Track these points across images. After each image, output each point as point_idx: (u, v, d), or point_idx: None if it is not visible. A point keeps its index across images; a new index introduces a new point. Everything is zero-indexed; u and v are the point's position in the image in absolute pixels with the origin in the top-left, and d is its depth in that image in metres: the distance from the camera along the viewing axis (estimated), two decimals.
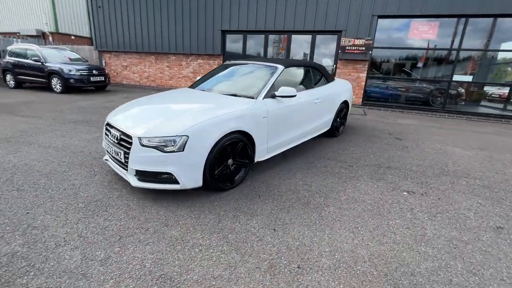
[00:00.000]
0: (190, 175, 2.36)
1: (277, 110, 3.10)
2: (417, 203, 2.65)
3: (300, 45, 8.79)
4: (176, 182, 2.34)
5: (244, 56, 9.54)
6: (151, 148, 2.27)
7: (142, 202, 2.44)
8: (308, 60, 8.58)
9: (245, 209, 2.41)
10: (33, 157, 3.34)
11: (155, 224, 2.13)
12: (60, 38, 13.90)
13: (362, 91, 8.32)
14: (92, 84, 9.18)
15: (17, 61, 9.19)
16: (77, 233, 1.98)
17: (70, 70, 8.63)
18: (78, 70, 8.79)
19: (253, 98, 2.98)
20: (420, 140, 4.88)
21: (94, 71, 9.23)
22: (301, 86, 3.79)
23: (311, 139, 4.03)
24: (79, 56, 10.17)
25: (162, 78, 11.02)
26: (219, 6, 9.16)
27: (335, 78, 4.92)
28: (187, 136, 2.29)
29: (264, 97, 3.02)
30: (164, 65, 10.76)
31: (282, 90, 3.06)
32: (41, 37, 13.84)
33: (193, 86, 3.77)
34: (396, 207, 2.54)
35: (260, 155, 3.03)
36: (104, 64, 11.89)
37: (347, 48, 7.94)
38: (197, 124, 2.36)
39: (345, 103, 4.76)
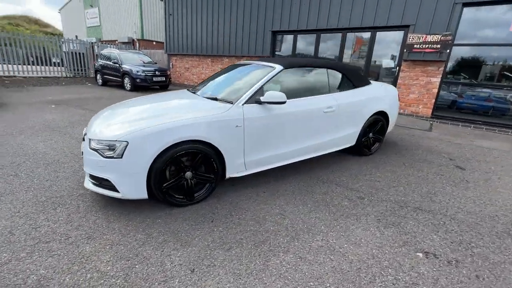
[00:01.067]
0: (130, 184, 2.12)
1: (261, 118, 2.58)
2: (434, 275, 1.71)
3: (352, 44, 7.63)
4: (117, 190, 2.14)
5: (293, 56, 8.95)
6: (94, 152, 2.14)
7: (96, 205, 2.34)
8: (367, 60, 7.37)
9: (183, 234, 2.02)
10: (55, 146, 3.76)
11: (80, 234, 1.98)
12: (144, 43, 16.32)
13: (433, 100, 6.58)
14: (154, 83, 10.27)
15: (104, 63, 11.07)
16: (10, 228, 2.00)
17: (137, 71, 9.85)
18: (144, 71, 9.95)
19: (231, 103, 2.54)
20: (495, 174, 3.41)
21: (157, 72, 10.31)
22: (307, 91, 3.11)
23: (329, 153, 3.31)
24: (150, 59, 11.57)
25: None
26: (271, 6, 8.85)
27: (371, 82, 3.92)
28: (127, 142, 2.05)
29: (244, 103, 2.54)
30: (218, 67, 11.16)
31: (269, 95, 2.52)
32: (131, 43, 16.55)
33: (195, 87, 3.57)
34: (392, 276, 1.69)
35: (235, 170, 2.57)
36: (171, 66, 13.22)
37: (415, 46, 6.42)
38: (140, 130, 2.10)
39: (382, 114, 3.73)
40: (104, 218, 2.17)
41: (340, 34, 7.77)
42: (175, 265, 1.71)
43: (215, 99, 2.74)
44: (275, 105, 2.65)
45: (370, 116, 3.55)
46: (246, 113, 2.49)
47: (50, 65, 13.01)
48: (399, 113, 6.93)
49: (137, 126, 2.15)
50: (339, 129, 3.25)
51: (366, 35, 7.34)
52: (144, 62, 11.00)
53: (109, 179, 2.11)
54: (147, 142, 2.07)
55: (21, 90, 8.84)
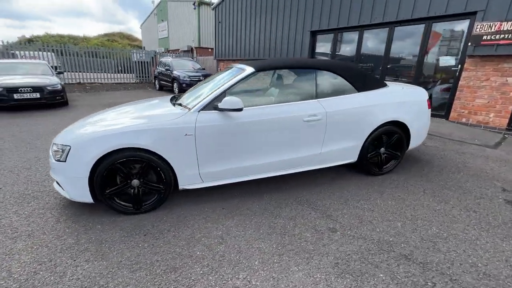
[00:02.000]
0: (74, 187, 2.17)
1: (220, 127, 2.33)
2: None
3: (403, 40, 6.44)
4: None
5: (332, 57, 8.17)
6: (51, 154, 2.28)
7: (61, 204, 2.50)
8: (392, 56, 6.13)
9: (107, 245, 1.93)
10: None
11: (26, 230, 2.11)
12: (201, 51, 17.60)
13: (511, 107, 4.99)
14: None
15: (161, 70, 12.35)
16: None
17: (184, 77, 10.63)
18: (190, 76, 10.67)
19: (189, 110, 2.37)
20: None
21: (201, 78, 10.92)
22: (286, 96, 2.67)
23: (328, 168, 2.83)
24: (200, 66, 12.37)
25: None
26: (310, 5, 8.29)
27: (387, 84, 3.14)
28: (70, 146, 2.11)
29: (201, 109, 2.33)
30: None
31: (226, 101, 2.25)
32: (190, 51, 18.09)
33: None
34: None
35: (188, 182, 2.38)
36: (218, 71, 13.86)
37: (484, 38, 4.98)
38: (81, 136, 2.14)
39: (399, 125, 2.95)
40: (56, 217, 2.28)
41: (386, 29, 6.71)
42: (72, 279, 1.64)
43: (180, 105, 2.62)
44: (240, 113, 2.36)
45: (379, 127, 2.85)
46: (199, 121, 2.28)
47: (125, 72, 15.29)
48: (460, 123, 5.54)
49: (83, 132, 2.20)
50: (330, 141, 2.71)
51: (419, 28, 6.12)
52: (194, 68, 11.82)
53: (58, 182, 2.21)
54: (86, 148, 2.09)
55: (94, 94, 10.58)
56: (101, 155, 2.08)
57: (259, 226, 2.18)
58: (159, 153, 2.19)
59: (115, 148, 2.09)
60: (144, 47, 26.62)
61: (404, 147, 3.08)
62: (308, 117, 2.55)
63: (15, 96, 6.66)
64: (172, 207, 2.45)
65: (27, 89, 6.81)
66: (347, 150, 2.82)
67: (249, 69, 2.55)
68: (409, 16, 6.07)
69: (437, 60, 5.97)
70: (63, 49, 13.38)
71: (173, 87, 11.24)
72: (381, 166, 3.08)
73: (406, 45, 6.50)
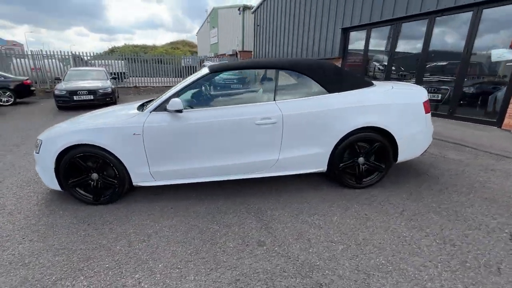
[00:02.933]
0: (45, 176, 2.51)
1: (168, 127, 2.38)
2: None
3: (448, 33, 5.42)
4: None
5: (364, 54, 7.42)
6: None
7: (46, 190, 2.91)
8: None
9: (43, 228, 2.17)
10: None
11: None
12: (244, 54, 18.12)
13: None
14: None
15: None
16: None
17: (218, 80, 11.12)
18: (224, 80, 11.08)
19: (143, 111, 2.50)
20: None
21: (235, 80, 11.26)
22: (242, 97, 2.54)
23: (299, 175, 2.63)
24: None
25: None
26: (342, 2, 7.71)
27: (373, 83, 2.69)
28: (42, 140, 2.45)
29: (153, 110, 2.43)
30: None
31: (171, 103, 2.30)
32: (235, 55, 18.81)
33: None
34: None
35: (141, 179, 2.51)
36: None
37: None
38: (48, 133, 2.46)
39: (381, 132, 2.51)
40: (38, 200, 2.66)
41: (425, 21, 5.77)
42: (9, 254, 1.89)
43: (143, 106, 2.77)
44: (191, 114, 2.38)
45: (352, 133, 2.49)
46: (148, 121, 2.37)
47: (176, 76, 16.82)
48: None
49: (55, 129, 2.52)
50: (289, 147, 2.48)
51: (464, 17, 5.08)
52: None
53: (37, 171, 2.59)
54: (52, 143, 2.39)
55: (144, 95, 11.95)
56: (62, 149, 2.36)
57: (191, 229, 2.15)
58: (111, 150, 2.36)
59: (72, 144, 2.34)
60: (196, 52, 28.80)
61: (389, 158, 2.61)
62: (261, 120, 2.39)
63: (75, 97, 8.05)
64: (131, 202, 2.61)
65: (83, 92, 8.16)
66: (312, 158, 2.54)
67: (205, 71, 2.54)
68: (453, 3, 5.10)
69: (488, 53, 4.86)
70: (133, 57, 15.47)
71: None
72: (360, 178, 2.67)
73: (448, 37, 5.48)
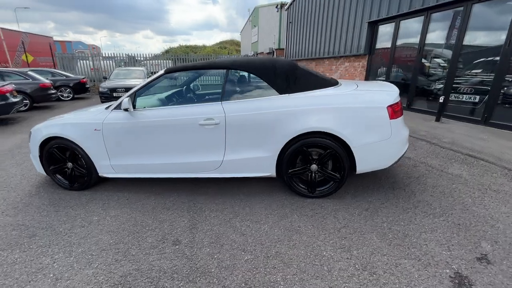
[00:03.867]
0: (35, 163, 2.95)
1: (123, 125, 2.58)
2: None
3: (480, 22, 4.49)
4: None
5: (392, 50, 6.64)
6: None
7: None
8: None
9: (21, 207, 2.57)
10: None
11: (3, 186, 3.06)
12: (280, 52, 17.87)
13: None
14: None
15: None
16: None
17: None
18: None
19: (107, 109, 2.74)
20: None
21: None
22: (193, 97, 2.55)
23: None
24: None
25: None
26: None
27: (338, 83, 2.41)
28: (31, 132, 2.89)
29: (114, 108, 2.65)
30: (319, 70, 10.33)
31: (122, 103, 2.49)
32: (272, 53, 18.72)
33: None
34: None
35: (105, 171, 2.76)
36: None
37: None
38: (37, 125, 2.87)
39: (334, 138, 2.27)
40: (40, 179, 3.16)
41: (460, 10, 4.89)
42: None
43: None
44: (143, 113, 2.54)
45: (299, 138, 2.31)
46: (108, 118, 2.60)
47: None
48: None
49: (43, 122, 2.94)
50: (233, 149, 2.44)
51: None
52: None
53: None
54: (36, 134, 2.81)
55: None
56: (42, 140, 2.75)
57: (127, 221, 2.29)
58: (78, 143, 2.66)
59: (48, 136, 2.71)
60: (239, 52, 29.48)
61: (344, 168, 2.35)
62: (204, 120, 2.40)
63: (114, 94, 9.12)
64: (99, 191, 2.88)
65: (121, 89, 9.18)
66: (258, 162, 2.44)
67: (160, 71, 2.65)
68: None
69: None
70: (180, 57, 16.73)
71: None
72: (313, 187, 2.47)
73: (487, 28, 4.56)
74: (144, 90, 2.67)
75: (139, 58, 16.26)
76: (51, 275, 1.70)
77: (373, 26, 7.24)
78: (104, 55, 14.99)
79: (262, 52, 20.42)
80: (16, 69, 9.18)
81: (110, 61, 15.01)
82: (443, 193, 2.54)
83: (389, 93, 2.37)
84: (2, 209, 2.53)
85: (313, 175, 2.45)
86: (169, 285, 1.59)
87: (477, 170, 3.00)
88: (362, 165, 2.36)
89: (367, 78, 7.67)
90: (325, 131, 2.25)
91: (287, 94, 2.38)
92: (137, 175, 2.72)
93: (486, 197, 2.44)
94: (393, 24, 6.54)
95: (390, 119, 2.26)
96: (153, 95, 2.88)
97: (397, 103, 2.32)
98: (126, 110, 2.46)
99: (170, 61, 17.87)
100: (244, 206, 2.44)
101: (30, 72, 8.85)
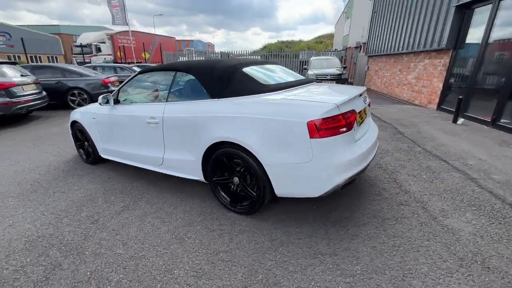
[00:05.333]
0: (74, 143, 3.94)
1: (105, 116, 3.11)
2: None
3: None
4: None
5: (484, 45, 4.79)
6: None
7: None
8: None
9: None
10: None
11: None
12: (365, 47, 15.71)
13: None
14: None
15: (304, 68, 13.08)
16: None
17: (310, 75, 10.70)
18: (317, 75, 10.54)
19: None
20: None
21: (328, 76, 10.40)
22: (150, 96, 2.73)
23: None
24: (339, 65, 11.60)
25: (392, 85, 8.89)
26: None
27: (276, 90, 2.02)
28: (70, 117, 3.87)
29: (105, 103, 3.20)
30: (397, 69, 8.57)
31: (99, 97, 3.02)
32: (359, 47, 16.68)
33: None
34: None
35: (101, 152, 3.41)
36: (366, 69, 12.07)
37: None
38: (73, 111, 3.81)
39: (249, 154, 2.00)
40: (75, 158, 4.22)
41: None
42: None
43: None
44: (118, 108, 2.98)
45: (216, 146, 2.17)
46: (100, 110, 3.18)
47: (296, 70, 17.50)
48: None
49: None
50: (170, 148, 2.54)
51: None
52: (336, 67, 11.40)
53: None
54: (70, 119, 3.74)
55: None
56: (70, 123, 3.66)
57: (84, 189, 2.80)
58: (86, 129, 3.40)
59: (72, 120, 3.58)
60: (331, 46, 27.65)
61: (259, 187, 2.03)
62: (149, 119, 2.60)
63: None
64: (100, 168, 3.58)
65: None
66: (189, 164, 2.44)
67: (136, 73, 3.00)
68: None
69: None
70: (275, 53, 17.57)
71: None
72: (236, 201, 2.27)
73: None
74: (123, 87, 3.09)
75: (231, 55, 17.96)
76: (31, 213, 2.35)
77: (463, 11, 5.43)
78: (216, 52, 17.45)
79: (350, 47, 18.61)
80: (126, 65, 12.03)
81: (202, 57, 17.36)
82: (402, 219, 1.82)
83: (322, 105, 1.87)
84: (41, 171, 3.56)
85: (235, 188, 2.26)
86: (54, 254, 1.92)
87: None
88: (280, 188, 2.00)
89: (447, 82, 5.90)
90: (234, 141, 2.03)
91: (217, 99, 2.26)
92: (117, 159, 3.23)
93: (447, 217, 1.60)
94: (490, 5, 4.70)
95: (311, 137, 1.80)
96: (137, 93, 3.29)
97: (332, 117, 1.81)
98: (107, 103, 2.95)
99: (259, 56, 18.96)
100: (172, 204, 2.53)
101: (134, 67, 11.43)
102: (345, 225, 2.10)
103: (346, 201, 2.45)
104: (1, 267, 1.78)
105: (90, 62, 18.06)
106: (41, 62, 31.01)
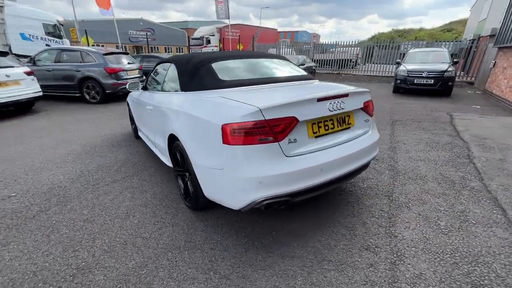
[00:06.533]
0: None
1: (135, 100, 3.70)
2: None
3: None
4: None
5: None
6: None
7: None
8: None
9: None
10: None
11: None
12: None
13: None
14: (416, 85, 8.51)
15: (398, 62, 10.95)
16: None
17: (401, 71, 8.89)
18: (409, 71, 8.64)
19: None
20: None
21: (424, 74, 8.33)
22: (161, 85, 3.00)
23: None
24: (448, 59, 9.04)
25: None
26: None
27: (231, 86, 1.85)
28: None
29: (138, 88, 3.76)
30: None
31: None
32: (495, 35, 12.20)
33: None
34: None
35: (138, 130, 4.09)
36: (491, 65, 8.91)
37: None
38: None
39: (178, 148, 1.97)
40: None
41: None
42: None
43: None
44: (141, 94, 3.49)
45: (172, 138, 2.26)
46: (135, 94, 3.78)
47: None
48: None
49: None
50: (156, 134, 2.80)
51: None
52: (439, 62, 9.08)
53: None
54: None
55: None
56: (126, 103, 4.53)
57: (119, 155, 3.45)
58: (131, 109, 4.14)
59: (127, 101, 4.43)
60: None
61: (193, 184, 1.98)
62: (147, 106, 2.93)
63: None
64: (136, 145, 4.31)
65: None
66: (165, 152, 2.62)
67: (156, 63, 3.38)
68: None
69: None
70: (382, 44, 15.62)
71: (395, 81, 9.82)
72: (186, 195, 2.30)
73: None
74: (150, 75, 3.54)
75: (324, 46, 17.00)
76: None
77: None
78: (322, 43, 17.16)
79: (484, 36, 14.00)
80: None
81: (290, 49, 17.25)
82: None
83: (244, 107, 1.60)
84: (103, 138, 4.60)
85: (186, 182, 2.28)
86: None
87: None
88: (206, 191, 1.90)
89: None
90: (176, 136, 2.05)
91: (183, 92, 2.32)
92: (145, 139, 3.77)
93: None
94: None
95: (223, 143, 1.60)
96: (152, 82, 3.67)
97: (252, 123, 1.55)
98: (137, 89, 3.50)
99: (358, 48, 17.28)
100: (152, 185, 2.80)
101: None
102: (271, 251, 1.80)
103: (304, 226, 2.05)
104: (27, 205, 2.51)
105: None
106: (171, 52, 38.67)
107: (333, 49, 16.97)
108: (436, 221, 2.06)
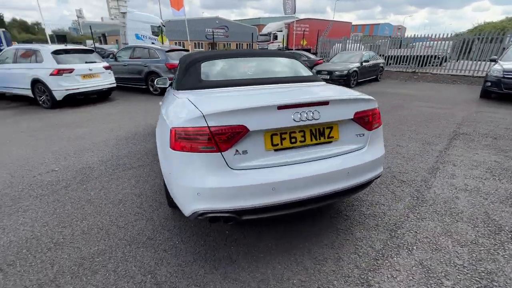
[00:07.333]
0: None
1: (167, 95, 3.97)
2: None
3: None
4: None
5: None
6: None
7: None
8: None
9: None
10: None
11: None
12: None
13: None
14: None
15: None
16: None
17: (495, 71, 7.02)
18: (505, 71, 6.72)
19: None
20: None
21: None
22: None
23: None
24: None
25: None
26: None
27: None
28: None
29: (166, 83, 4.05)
30: None
31: None
32: None
33: None
34: None
35: None
36: None
37: None
38: None
39: None
40: None
41: None
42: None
43: None
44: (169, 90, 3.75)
45: None
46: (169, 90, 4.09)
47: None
48: None
49: None
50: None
51: None
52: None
53: None
54: None
55: (403, 84, 10.96)
56: None
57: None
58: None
59: None
60: None
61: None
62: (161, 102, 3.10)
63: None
64: None
65: (324, 72, 10.04)
66: None
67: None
68: None
69: None
70: (483, 36, 12.90)
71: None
72: None
73: None
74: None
75: (408, 38, 14.80)
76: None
77: None
78: (407, 36, 15.32)
79: None
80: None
81: (358, 44, 15.65)
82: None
83: (190, 111, 1.49)
84: (139, 127, 5.16)
85: None
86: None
87: None
88: (169, 191, 1.88)
89: None
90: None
91: (176, 91, 2.35)
92: None
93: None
94: None
95: (170, 147, 1.54)
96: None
97: (194, 129, 1.44)
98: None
99: (450, 42, 14.59)
100: (147, 179, 2.98)
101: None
102: (217, 268, 1.66)
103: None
104: (60, 179, 3.03)
105: (267, 49, 21.63)
106: (241, 48, 40.42)
107: (413, 44, 14.63)
108: (441, 278, 1.53)
